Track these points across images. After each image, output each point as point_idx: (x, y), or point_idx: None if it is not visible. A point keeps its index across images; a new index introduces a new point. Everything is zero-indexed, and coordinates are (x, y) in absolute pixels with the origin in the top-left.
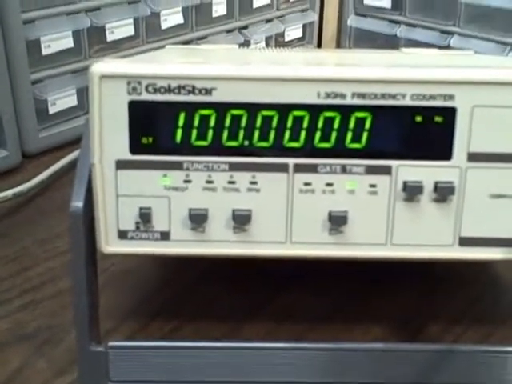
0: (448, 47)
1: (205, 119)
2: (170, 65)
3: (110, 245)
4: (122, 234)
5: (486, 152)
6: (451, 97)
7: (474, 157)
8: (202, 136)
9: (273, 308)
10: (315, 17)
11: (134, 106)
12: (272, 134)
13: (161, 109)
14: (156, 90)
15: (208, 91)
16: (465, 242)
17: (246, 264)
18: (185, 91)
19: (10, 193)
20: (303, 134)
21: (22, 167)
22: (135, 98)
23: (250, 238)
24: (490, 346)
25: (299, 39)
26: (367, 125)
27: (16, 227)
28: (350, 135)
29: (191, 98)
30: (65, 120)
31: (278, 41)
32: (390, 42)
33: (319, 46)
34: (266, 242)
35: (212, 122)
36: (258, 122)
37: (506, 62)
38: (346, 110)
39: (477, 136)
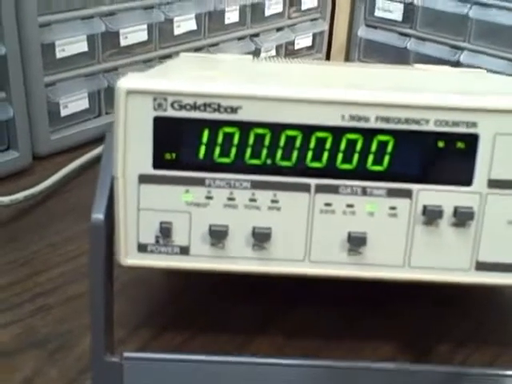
0: (457, 63)
1: (228, 137)
2: (197, 82)
3: (129, 257)
4: (142, 247)
5: (507, 179)
6: (474, 124)
7: (494, 183)
8: (225, 153)
9: (284, 323)
10: (325, 26)
11: (159, 122)
12: (295, 154)
13: (185, 125)
14: (181, 107)
15: (234, 110)
16: (482, 266)
17: (260, 277)
18: (210, 109)
19: (20, 195)
20: (326, 154)
21: (32, 169)
22: (160, 114)
23: (269, 256)
24: (498, 369)
25: (308, 48)
26: (389, 148)
27: (27, 231)
28: (371, 158)
29: (216, 115)
30: (76, 123)
31: (287, 49)
32: (400, 55)
33: (328, 55)
34: (284, 260)
35: (236, 140)
36: (282, 142)
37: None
38: (369, 133)
39: (498, 163)
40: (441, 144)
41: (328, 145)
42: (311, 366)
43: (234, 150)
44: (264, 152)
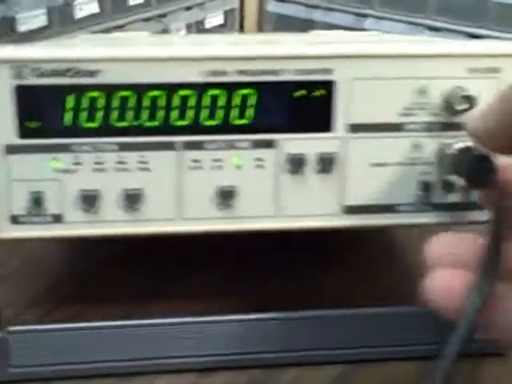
0: (363, 30)
1: (93, 101)
2: (55, 48)
3: (2, 230)
4: (15, 219)
5: (366, 123)
6: (330, 71)
7: (354, 128)
8: (90, 118)
9: (177, 287)
10: (236, 3)
11: (20, 91)
12: (160, 114)
13: (48, 92)
14: (42, 74)
15: (92, 73)
16: (349, 210)
17: (153, 243)
18: (70, 74)
19: None
20: (190, 112)
21: None
22: (21, 82)
23: (142, 217)
24: (388, 308)
25: (220, 26)
26: (252, 101)
27: None
28: (235, 112)
29: (77, 80)
30: None
31: (199, 28)
32: (308, 26)
33: (242, 32)
34: (157, 220)
35: (100, 104)
36: (146, 103)
37: (394, 37)
38: (230, 88)
39: (356, 108)
40: (300, 93)
41: (191, 102)
42: (202, 322)
43: (99, 114)
44: (129, 114)
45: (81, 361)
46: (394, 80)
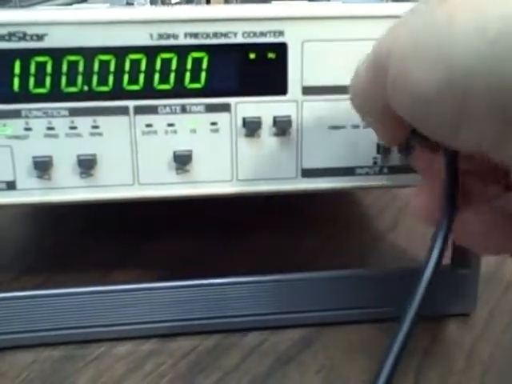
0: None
1: (41, 66)
2: None
3: None
4: None
5: (319, 85)
6: (281, 33)
7: (308, 90)
8: (39, 83)
9: (140, 255)
10: None
11: None
12: (111, 78)
13: None
14: None
15: (40, 37)
16: (307, 173)
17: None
18: (16, 38)
19: None
20: (142, 76)
21: None
22: None
23: (98, 183)
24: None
25: (187, 1)
26: (204, 64)
27: None
28: (188, 75)
29: (24, 44)
30: None
31: (164, 3)
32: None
33: None
34: (113, 186)
35: (49, 69)
36: (96, 67)
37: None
38: (181, 51)
39: (309, 70)
40: (252, 55)
41: (143, 66)
42: (168, 287)
43: (48, 80)
44: (79, 79)
45: (44, 328)
46: (346, 42)
